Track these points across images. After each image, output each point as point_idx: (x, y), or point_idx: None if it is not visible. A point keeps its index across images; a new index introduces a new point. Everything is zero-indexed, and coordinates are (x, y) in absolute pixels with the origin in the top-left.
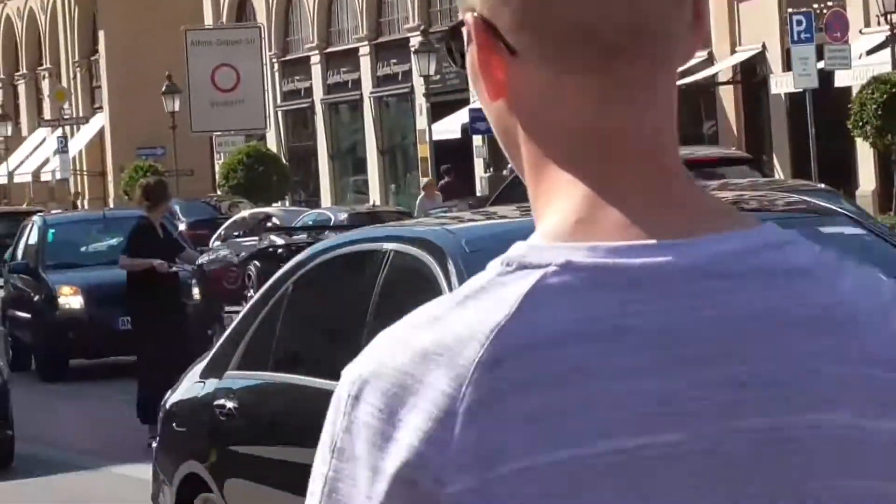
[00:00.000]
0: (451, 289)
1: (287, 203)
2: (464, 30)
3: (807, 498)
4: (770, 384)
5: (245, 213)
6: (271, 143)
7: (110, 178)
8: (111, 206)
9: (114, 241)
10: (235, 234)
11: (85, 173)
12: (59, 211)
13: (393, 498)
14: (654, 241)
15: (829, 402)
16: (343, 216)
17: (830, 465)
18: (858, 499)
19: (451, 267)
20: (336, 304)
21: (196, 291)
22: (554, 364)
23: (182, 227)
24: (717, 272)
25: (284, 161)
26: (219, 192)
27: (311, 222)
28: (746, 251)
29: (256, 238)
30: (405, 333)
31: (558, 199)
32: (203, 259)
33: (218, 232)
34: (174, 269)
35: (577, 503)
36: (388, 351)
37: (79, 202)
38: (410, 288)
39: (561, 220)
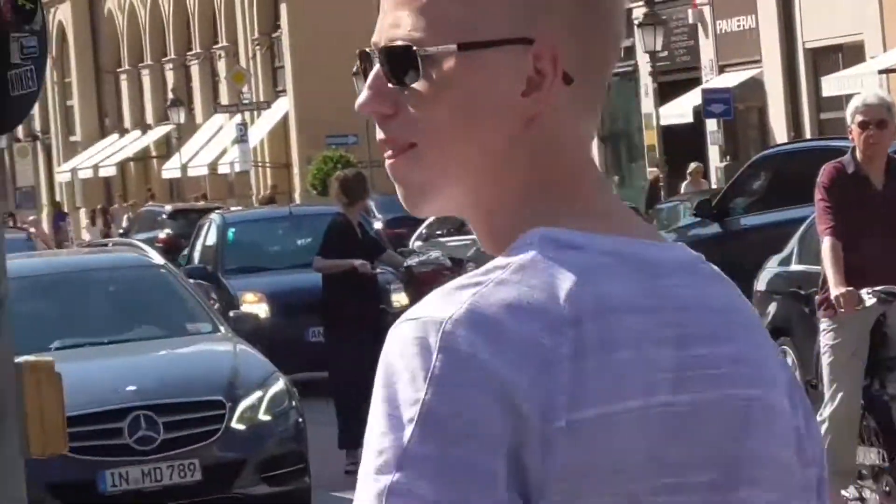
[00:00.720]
0: None
1: None
2: (421, 51)
3: (759, 459)
4: (743, 361)
5: None
6: None
7: (296, 170)
8: (297, 201)
9: (301, 242)
10: (438, 232)
11: (267, 165)
12: (240, 208)
13: (502, 418)
14: (644, 239)
15: (772, 381)
16: None
17: (778, 433)
18: (790, 470)
19: None
20: None
21: (396, 298)
22: (617, 328)
23: (378, 225)
24: (690, 269)
25: None
26: None
27: None
28: (694, 257)
29: (462, 237)
30: (478, 290)
31: (560, 199)
32: (412, 261)
33: (419, 231)
34: (377, 271)
35: (637, 445)
36: (469, 301)
37: (275, 197)
38: None
39: (579, 217)
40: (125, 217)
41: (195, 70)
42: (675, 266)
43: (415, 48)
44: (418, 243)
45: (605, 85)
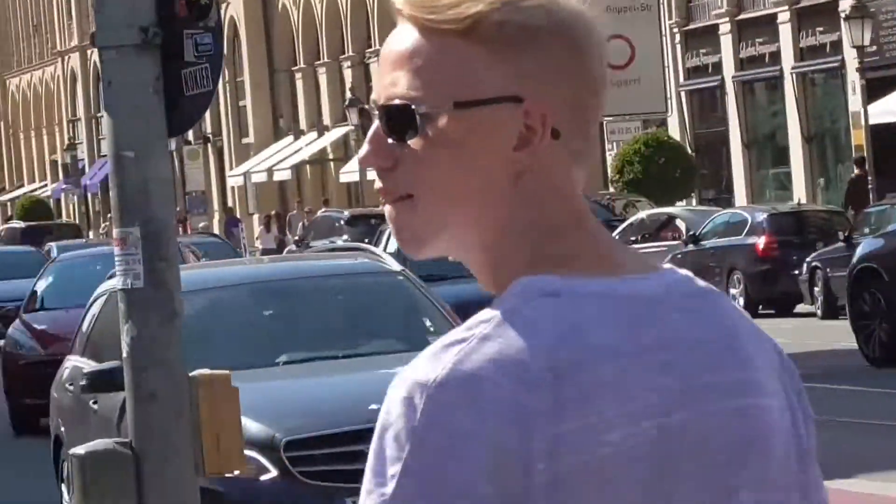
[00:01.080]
0: None
1: (694, 202)
2: (420, 108)
3: (758, 464)
4: (740, 378)
5: (643, 213)
6: (673, 130)
7: None
8: None
9: None
10: (632, 238)
11: None
12: None
13: (478, 482)
14: (631, 274)
15: (767, 393)
16: (762, 216)
17: (776, 439)
18: (789, 472)
19: None
20: None
21: None
22: (594, 370)
23: None
24: (676, 294)
25: (690, 151)
26: (611, 190)
27: (723, 225)
28: (680, 279)
29: (657, 244)
30: (462, 347)
31: (551, 246)
32: None
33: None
34: None
35: (617, 485)
36: (453, 361)
37: None
38: None
39: (561, 260)
40: (300, 224)
41: (375, 68)
42: (661, 293)
43: (412, 106)
44: None
45: (593, 136)
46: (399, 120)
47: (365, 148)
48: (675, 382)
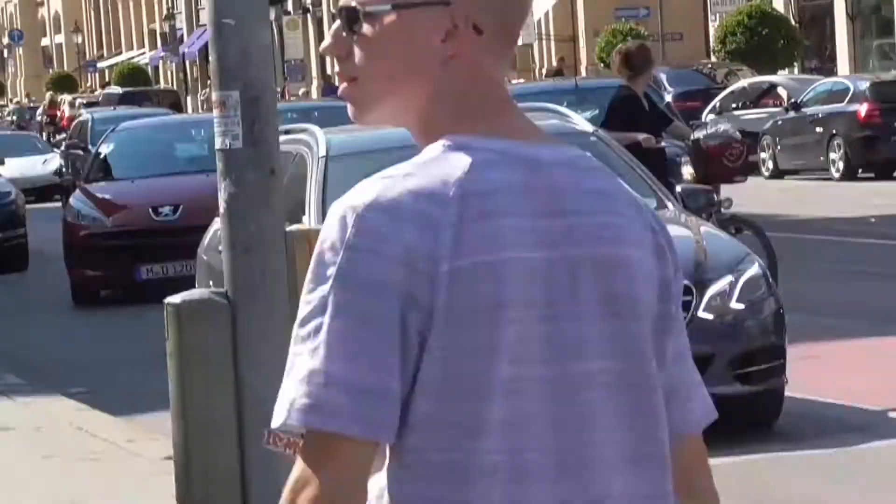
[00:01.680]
0: None
1: (796, 71)
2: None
3: (620, 298)
4: (609, 228)
5: (745, 82)
6: (777, 2)
7: (582, 43)
8: (583, 74)
9: (587, 115)
10: (733, 105)
11: (552, 38)
12: (521, 81)
13: (396, 272)
14: (534, 143)
15: (637, 242)
16: (864, 85)
17: (637, 280)
18: (647, 306)
19: None
20: None
21: (686, 171)
22: (493, 204)
23: (669, 98)
24: (570, 164)
25: (794, 23)
26: (713, 59)
27: (826, 93)
28: (578, 155)
29: (759, 111)
30: (387, 182)
31: (469, 116)
32: (699, 134)
33: (712, 104)
34: (661, 144)
35: (504, 285)
36: (379, 190)
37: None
38: None
39: (476, 126)
40: None
41: None
42: (556, 160)
43: (359, 7)
44: (711, 116)
45: (516, 37)
46: (351, 18)
47: (327, 39)
48: (558, 221)
